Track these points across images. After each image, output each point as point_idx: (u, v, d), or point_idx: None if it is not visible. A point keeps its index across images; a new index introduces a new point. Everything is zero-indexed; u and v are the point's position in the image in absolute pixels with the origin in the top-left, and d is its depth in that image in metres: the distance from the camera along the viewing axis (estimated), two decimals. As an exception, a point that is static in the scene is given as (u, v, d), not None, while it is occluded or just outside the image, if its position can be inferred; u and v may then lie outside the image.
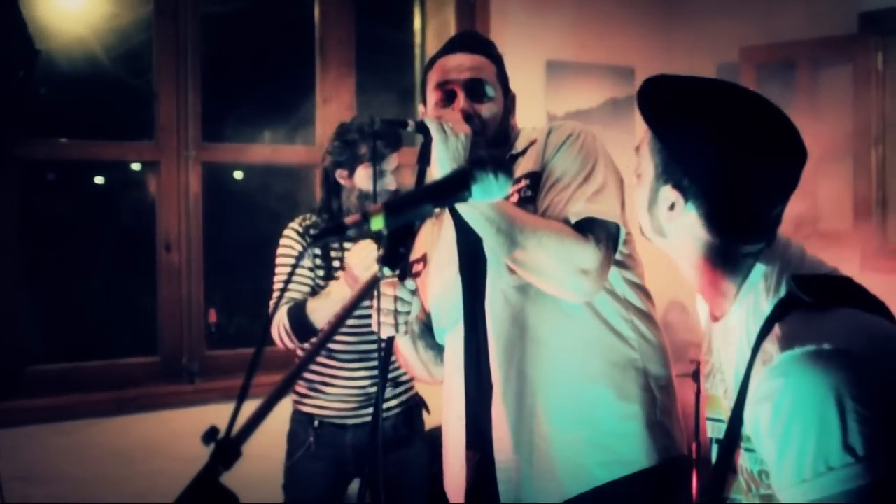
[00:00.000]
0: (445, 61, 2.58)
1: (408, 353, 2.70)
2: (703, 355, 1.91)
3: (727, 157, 1.62)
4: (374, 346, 3.49)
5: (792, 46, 5.03)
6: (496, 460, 2.48)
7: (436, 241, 2.68)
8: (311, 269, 3.55)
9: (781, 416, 1.51)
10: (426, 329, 2.70)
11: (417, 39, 5.21)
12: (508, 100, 2.62)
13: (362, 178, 3.53)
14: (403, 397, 3.67)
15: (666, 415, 2.50)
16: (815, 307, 1.58)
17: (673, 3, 5.62)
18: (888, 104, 4.90)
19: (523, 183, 2.48)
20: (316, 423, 3.60)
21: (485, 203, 2.25)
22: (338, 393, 3.58)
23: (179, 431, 4.12)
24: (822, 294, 1.60)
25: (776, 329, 1.58)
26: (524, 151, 2.55)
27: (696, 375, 4.17)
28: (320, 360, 3.59)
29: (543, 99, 5.17)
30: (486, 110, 2.52)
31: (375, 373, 3.50)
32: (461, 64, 2.55)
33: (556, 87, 5.17)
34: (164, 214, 4.27)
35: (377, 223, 1.53)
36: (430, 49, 5.11)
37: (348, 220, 1.53)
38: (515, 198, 2.47)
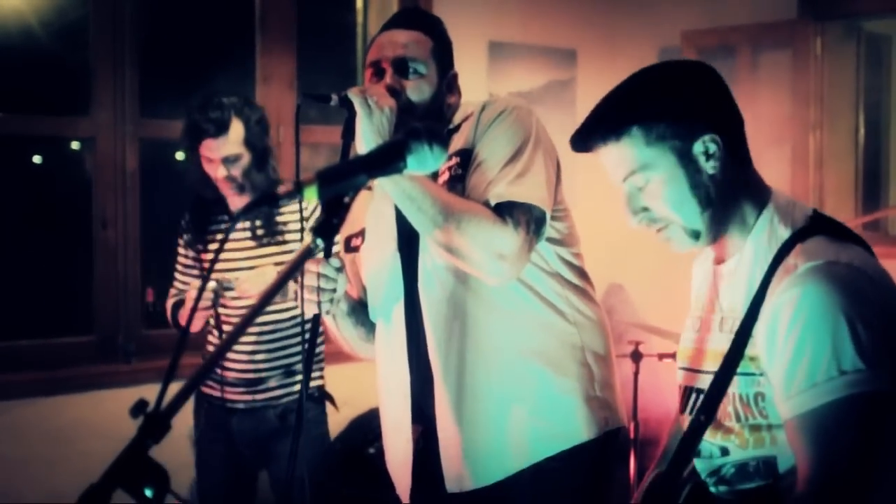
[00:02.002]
0: (380, 38, 2.57)
1: (334, 330, 2.68)
2: (694, 309, 2.03)
3: (708, 89, 1.86)
4: (260, 327, 3.46)
5: (733, 31, 5.06)
6: (439, 438, 2.49)
7: (375, 216, 2.66)
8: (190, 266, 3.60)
9: (800, 320, 1.65)
10: (357, 306, 2.68)
11: (360, 18, 5.18)
12: (447, 77, 2.59)
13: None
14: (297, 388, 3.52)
15: (605, 388, 2.52)
16: (832, 236, 1.75)
17: (615, -15, 5.65)
18: (826, 90, 4.96)
19: (454, 161, 2.47)
20: (205, 404, 3.57)
21: (406, 180, 2.25)
22: (223, 375, 3.48)
23: (115, 411, 4.05)
24: (837, 230, 1.78)
25: (798, 247, 1.73)
26: (457, 127, 2.54)
27: (634, 356, 4.20)
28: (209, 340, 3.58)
29: (486, 80, 5.17)
30: (414, 86, 2.49)
31: (261, 356, 3.46)
32: (394, 40, 2.53)
33: (498, 68, 5.17)
34: (100, 191, 4.21)
35: (310, 194, 1.51)
36: (372, 28, 5.08)
37: (280, 189, 1.51)
38: (446, 175, 2.46)
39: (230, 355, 3.46)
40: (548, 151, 2.48)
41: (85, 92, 4.22)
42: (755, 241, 1.82)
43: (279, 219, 3.48)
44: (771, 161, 4.84)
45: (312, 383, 3.57)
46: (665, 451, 2.18)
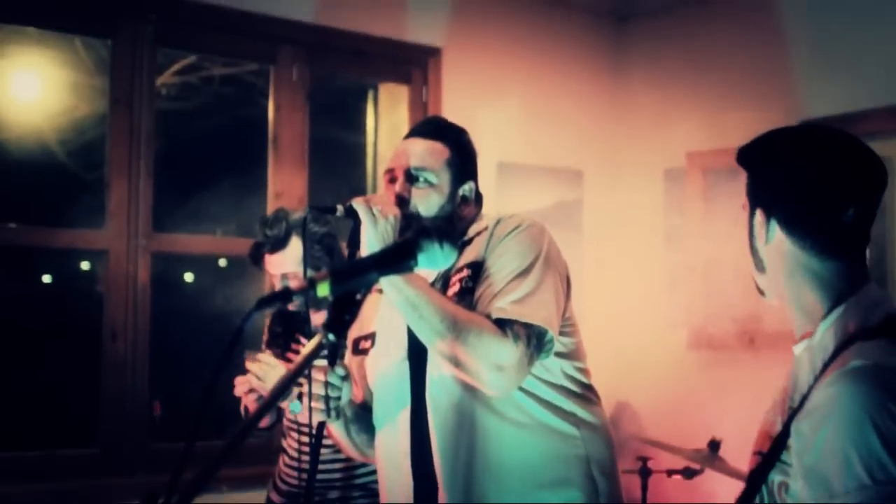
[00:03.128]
0: (399, 146, 2.63)
1: (339, 436, 2.69)
2: (780, 391, 2.00)
3: (791, 168, 1.86)
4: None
5: (735, 153, 5.14)
6: (444, 550, 2.46)
7: (386, 321, 2.68)
8: None
9: (832, 419, 1.61)
10: (360, 411, 2.68)
11: (370, 138, 5.28)
12: (461, 188, 2.63)
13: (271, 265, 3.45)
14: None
15: (610, 501, 2.50)
16: (879, 337, 1.72)
17: (621, 107, 5.76)
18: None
19: (465, 272, 2.49)
20: None
21: (410, 289, 2.28)
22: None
23: (119, 525, 4.03)
24: (887, 330, 1.74)
25: (857, 344, 1.71)
26: (471, 240, 2.57)
27: (643, 472, 4.17)
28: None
29: (495, 199, 5.23)
30: (422, 195, 2.53)
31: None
32: (409, 149, 2.59)
33: (507, 188, 5.24)
34: (111, 303, 4.24)
35: (323, 289, 1.55)
36: (381, 148, 5.18)
37: (293, 285, 1.55)
38: (457, 287, 2.48)
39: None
40: (558, 269, 2.51)
41: (100, 206, 4.29)
42: (824, 331, 1.80)
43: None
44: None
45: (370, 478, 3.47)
46: None
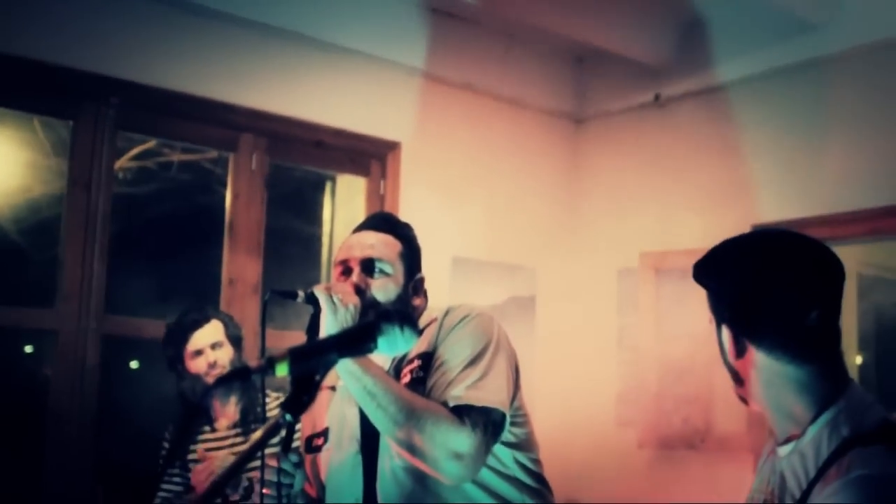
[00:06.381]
0: (350, 239, 2.66)
1: None
2: (754, 492, 1.98)
3: (748, 282, 1.85)
4: None
5: (688, 254, 5.21)
6: None
7: (338, 417, 2.67)
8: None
9: None
10: (312, 502, 2.66)
11: (326, 228, 5.30)
12: (414, 279, 2.66)
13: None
14: None
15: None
16: (878, 444, 1.71)
17: (577, 207, 5.84)
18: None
19: (416, 363, 2.51)
20: None
21: (368, 377, 2.29)
22: None
23: None
24: (884, 436, 1.73)
25: (856, 451, 1.69)
26: (421, 331, 2.58)
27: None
28: None
29: (448, 294, 5.25)
30: (380, 286, 2.55)
31: None
32: (363, 241, 2.62)
33: (460, 283, 5.26)
34: (57, 385, 4.17)
35: (282, 369, 1.54)
36: (338, 239, 5.19)
37: (252, 364, 1.54)
38: (408, 378, 2.49)
39: None
40: (508, 356, 2.53)
41: (50, 287, 4.24)
42: (814, 433, 1.80)
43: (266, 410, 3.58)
44: (727, 382, 4.91)
45: None
46: None
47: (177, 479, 3.76)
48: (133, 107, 4.39)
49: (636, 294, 5.39)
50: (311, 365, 1.57)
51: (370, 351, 1.65)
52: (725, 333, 1.87)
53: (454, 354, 2.46)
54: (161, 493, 3.74)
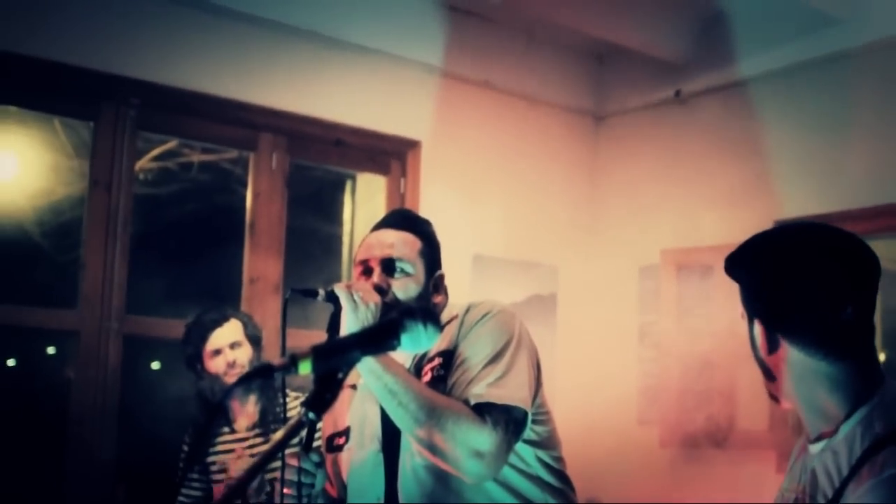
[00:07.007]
0: (370, 238, 2.64)
1: None
2: (785, 490, 1.95)
3: (782, 276, 1.82)
4: None
5: (710, 251, 5.19)
6: None
7: (359, 416, 2.66)
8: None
9: None
10: (333, 502, 2.65)
11: (347, 228, 5.30)
12: (434, 277, 2.65)
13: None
14: None
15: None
16: None
17: (598, 204, 5.82)
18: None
19: (437, 361, 2.50)
20: None
21: (389, 376, 2.28)
22: None
23: None
24: None
25: (889, 449, 1.66)
26: (442, 328, 2.58)
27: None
28: None
29: (469, 292, 5.24)
30: (401, 285, 2.54)
31: None
32: (383, 240, 2.60)
33: (481, 281, 5.25)
34: (79, 385, 4.18)
35: (304, 367, 1.53)
36: (357, 239, 5.17)
37: (275, 362, 1.53)
38: (429, 376, 2.48)
39: None
40: (530, 353, 2.51)
41: (72, 288, 4.25)
42: (847, 432, 1.77)
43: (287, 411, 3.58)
44: (750, 379, 4.89)
45: None
46: None
47: (196, 485, 3.76)
48: (153, 107, 4.41)
49: (658, 292, 5.36)
50: (334, 362, 1.56)
51: (393, 348, 1.64)
52: (758, 328, 1.84)
53: (475, 352, 2.45)
54: (181, 499, 3.73)
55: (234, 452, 3.59)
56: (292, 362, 1.52)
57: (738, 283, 1.90)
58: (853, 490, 1.66)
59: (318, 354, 1.53)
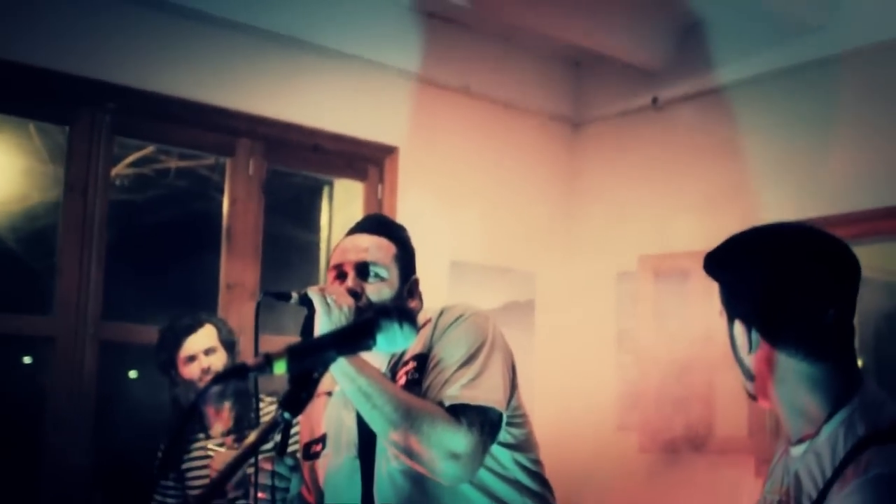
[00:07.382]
0: (344, 242, 2.66)
1: None
2: (767, 493, 1.95)
3: (764, 275, 1.81)
4: None
5: (687, 257, 5.20)
6: None
7: (335, 422, 2.65)
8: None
9: None
10: None
11: (324, 234, 5.29)
12: (408, 282, 2.65)
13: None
14: None
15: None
16: (895, 441, 1.67)
17: (575, 210, 5.83)
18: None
19: (411, 364, 2.51)
20: None
21: (363, 378, 2.28)
22: None
23: None
24: None
25: (873, 449, 1.66)
26: (418, 330, 2.57)
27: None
28: None
29: (447, 298, 5.23)
30: (375, 290, 2.55)
31: None
32: (357, 245, 2.62)
33: (459, 287, 5.24)
34: (56, 391, 4.15)
35: (280, 367, 1.53)
36: (335, 243, 5.15)
37: (250, 361, 1.52)
38: (403, 380, 2.49)
39: None
40: (504, 356, 2.52)
41: (47, 295, 4.22)
42: (829, 433, 1.77)
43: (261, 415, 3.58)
44: (728, 384, 4.90)
45: None
46: None
47: (172, 492, 3.73)
48: (129, 112, 4.39)
49: (635, 297, 5.37)
50: (309, 362, 1.55)
51: (369, 348, 1.64)
52: (738, 328, 1.84)
53: (449, 354, 2.45)
54: None
55: (210, 458, 3.57)
56: (267, 362, 1.51)
57: (718, 282, 1.90)
58: (837, 491, 1.65)
59: (293, 354, 1.53)
